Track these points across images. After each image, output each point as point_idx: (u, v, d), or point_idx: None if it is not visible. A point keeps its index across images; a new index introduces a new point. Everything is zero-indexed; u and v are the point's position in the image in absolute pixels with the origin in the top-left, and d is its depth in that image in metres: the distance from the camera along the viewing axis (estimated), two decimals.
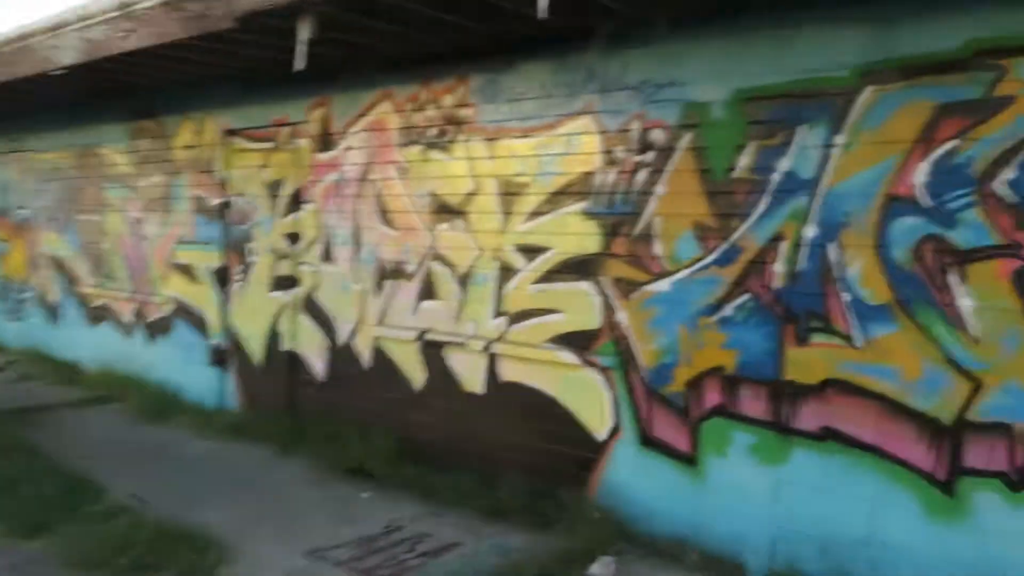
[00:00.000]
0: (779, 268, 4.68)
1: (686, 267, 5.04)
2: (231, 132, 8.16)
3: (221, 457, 6.97)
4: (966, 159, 4.09)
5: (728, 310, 4.87)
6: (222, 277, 8.27)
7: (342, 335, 7.08)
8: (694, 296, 5.00)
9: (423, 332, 6.41)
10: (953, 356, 4.12)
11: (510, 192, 5.90)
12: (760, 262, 4.75)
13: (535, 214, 5.76)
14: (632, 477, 5.27)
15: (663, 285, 5.14)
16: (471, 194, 6.14)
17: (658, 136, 5.16)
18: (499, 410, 5.95)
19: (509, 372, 5.91)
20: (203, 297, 8.47)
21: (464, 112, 6.18)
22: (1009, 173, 3.97)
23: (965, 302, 4.09)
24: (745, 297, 4.81)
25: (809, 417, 4.57)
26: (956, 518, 4.12)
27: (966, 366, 4.09)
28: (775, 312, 4.69)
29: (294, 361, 7.53)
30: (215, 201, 8.31)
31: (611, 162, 5.37)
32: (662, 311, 5.14)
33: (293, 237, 7.52)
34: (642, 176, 5.23)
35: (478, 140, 6.09)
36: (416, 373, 6.50)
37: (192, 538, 5.09)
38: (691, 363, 5.02)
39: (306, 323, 7.40)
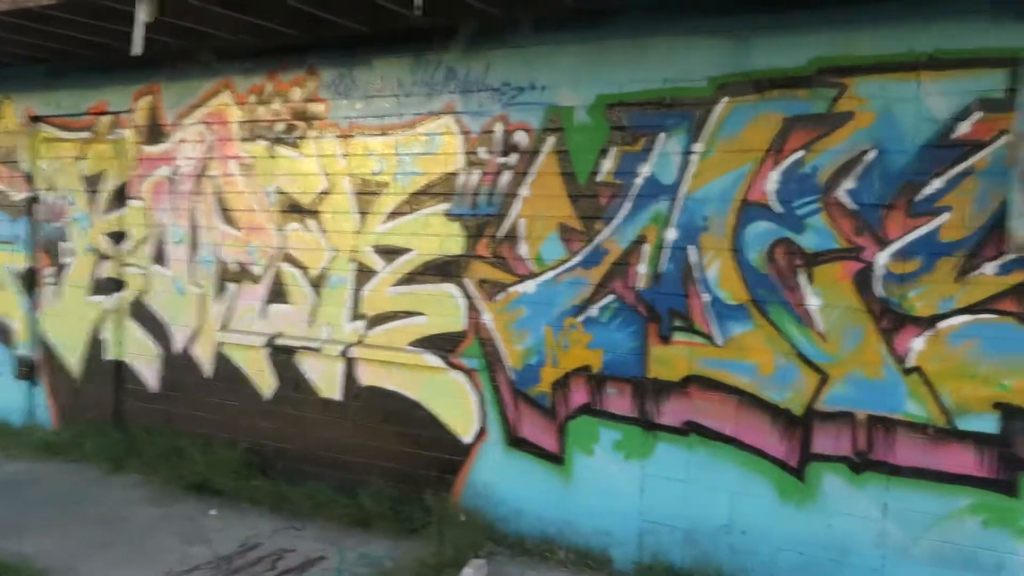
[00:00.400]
0: (642, 270, 4.84)
1: (551, 269, 5.10)
2: (38, 119, 7.33)
3: (39, 479, 6.27)
4: (812, 169, 4.41)
5: (593, 311, 4.98)
6: (29, 280, 7.43)
7: (178, 342, 6.56)
8: (560, 297, 5.08)
9: (273, 337, 6.08)
10: (803, 351, 4.45)
11: (367, 192, 5.71)
12: (624, 264, 4.89)
13: (395, 214, 5.61)
14: (499, 478, 5.28)
15: (529, 287, 5.17)
16: (324, 193, 5.88)
17: (522, 139, 5.18)
18: (359, 416, 5.76)
19: (369, 376, 5.72)
20: (6, 303, 7.57)
21: (315, 107, 5.91)
22: (850, 183, 4.32)
23: (813, 301, 4.42)
24: (610, 298, 4.94)
25: (672, 412, 4.77)
26: (807, 501, 4.45)
27: (814, 360, 4.42)
28: (639, 312, 4.86)
29: (121, 371, 6.90)
30: (19, 195, 7.44)
31: (474, 163, 5.33)
32: (528, 312, 5.18)
33: (117, 236, 6.88)
34: (506, 178, 5.23)
35: (331, 137, 5.84)
36: (265, 380, 6.15)
37: (13, 571, 4.55)
38: (557, 363, 5.09)
39: (134, 330, 6.79)
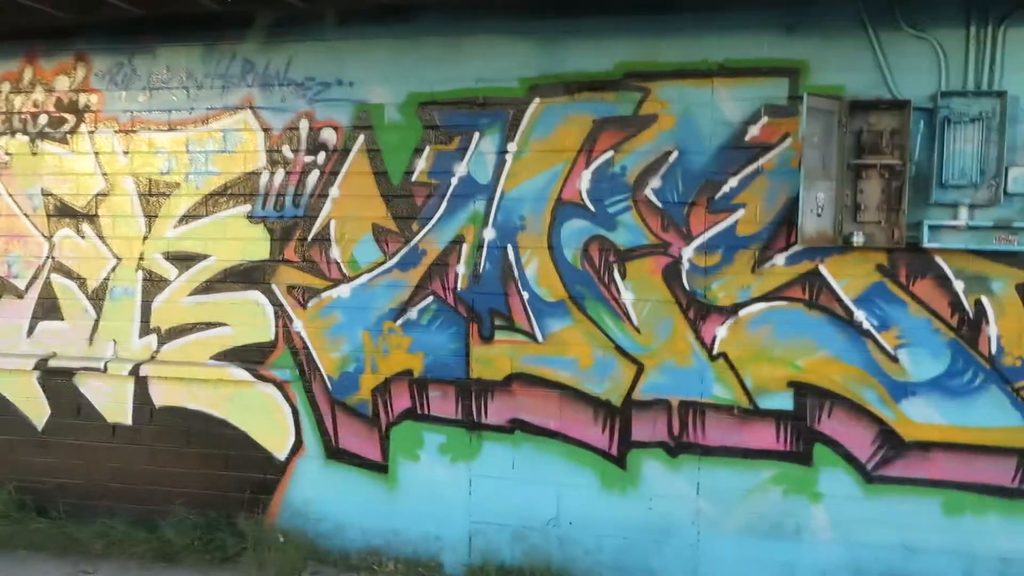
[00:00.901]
0: (461, 270, 4.80)
1: (366, 272, 4.92)
2: None
3: None
4: (621, 169, 4.60)
5: (413, 313, 4.87)
6: None
7: None
8: (376, 301, 4.91)
9: (44, 359, 5.35)
10: (619, 344, 4.63)
11: (154, 193, 5.19)
12: (442, 264, 4.83)
13: (188, 218, 5.15)
14: (319, 493, 5.02)
15: (343, 291, 4.96)
16: (102, 195, 5.27)
17: (330, 136, 4.94)
18: (156, 440, 5.23)
19: (166, 396, 5.21)
20: None
21: (86, 99, 5.27)
22: (656, 182, 4.55)
23: (627, 295, 4.62)
24: (429, 299, 4.85)
25: (497, 411, 4.79)
26: (628, 488, 4.65)
27: (630, 352, 4.62)
28: (459, 313, 4.82)
29: None
30: None
31: (278, 162, 5.01)
32: (343, 318, 4.96)
33: None
34: (314, 178, 4.97)
35: (108, 132, 5.24)
36: (36, 409, 5.41)
37: None
38: (377, 369, 4.93)
39: None
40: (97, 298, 5.30)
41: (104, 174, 5.26)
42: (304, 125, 4.98)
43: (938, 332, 4.29)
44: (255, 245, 5.06)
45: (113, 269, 5.26)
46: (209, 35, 5.07)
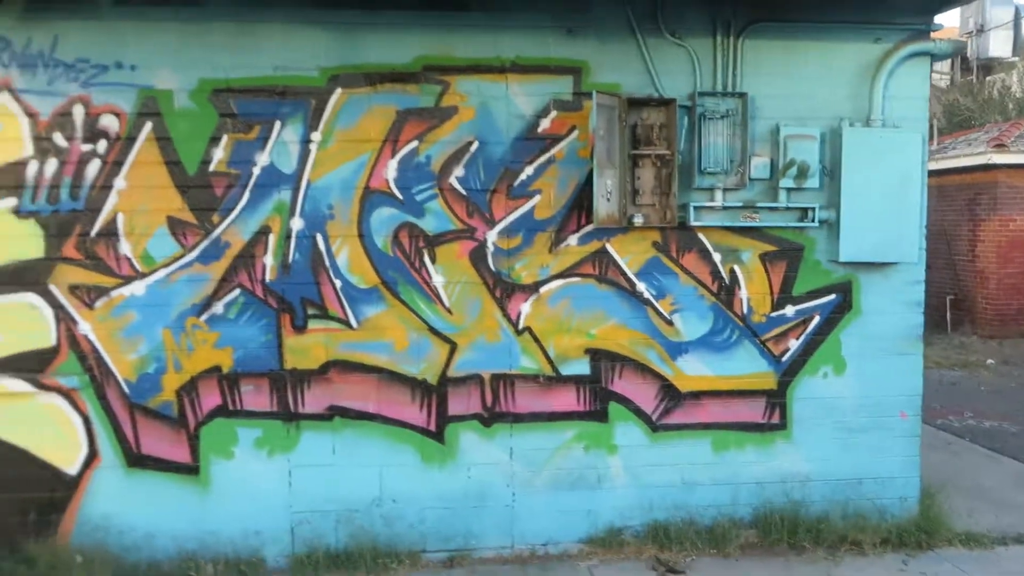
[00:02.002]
0: (269, 261, 4.74)
1: (163, 267, 4.67)
2: None
3: None
4: (426, 158, 4.80)
5: (218, 307, 4.72)
6: None
7: None
8: (176, 297, 4.68)
9: None
10: (433, 325, 4.86)
11: None
12: (249, 256, 4.72)
13: None
14: (121, 504, 4.70)
15: (136, 288, 4.66)
16: None
17: (111, 123, 4.59)
18: None
19: None
20: None
21: None
22: (459, 171, 4.82)
23: (438, 279, 4.85)
24: (236, 292, 4.73)
25: (314, 400, 4.81)
26: (447, 460, 4.92)
27: (443, 332, 4.87)
28: (269, 304, 4.75)
29: None
30: None
31: (48, 151, 4.56)
32: (139, 317, 4.67)
33: None
34: (95, 168, 4.59)
35: None
36: None
37: None
38: (181, 368, 4.71)
39: None
40: None
41: None
42: (79, 111, 4.57)
43: (703, 298, 5.05)
44: (25, 242, 4.57)
45: None
46: None
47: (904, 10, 5.02)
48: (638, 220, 4.87)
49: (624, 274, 4.97)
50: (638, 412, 5.03)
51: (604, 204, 4.70)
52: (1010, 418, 8.42)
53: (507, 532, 4.99)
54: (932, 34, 5.13)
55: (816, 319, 5.14)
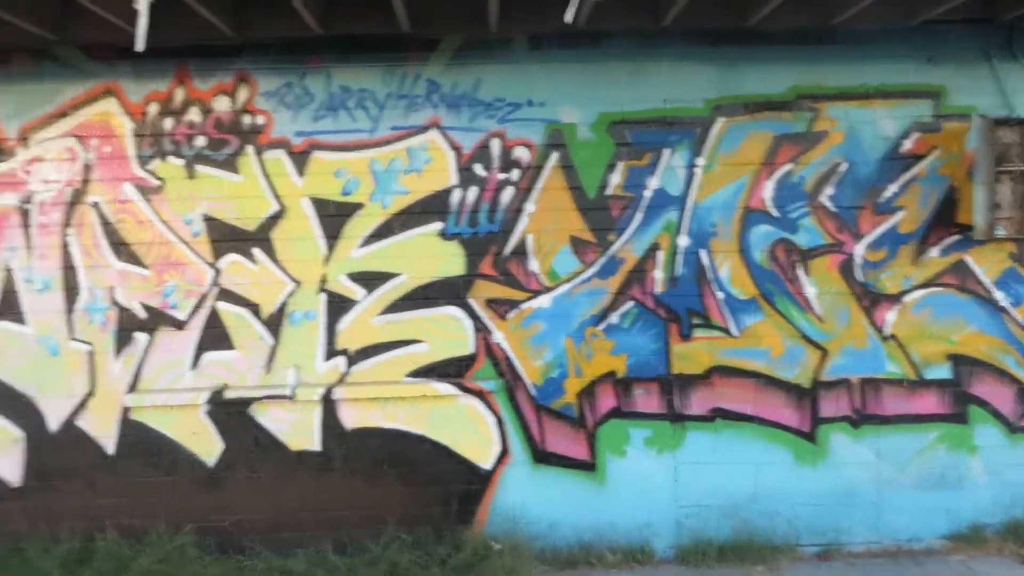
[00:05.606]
0: (659, 275, 5.21)
1: (566, 281, 5.19)
2: None
3: None
4: (799, 179, 5.22)
5: (614, 318, 5.20)
6: None
7: (54, 416, 5.11)
8: (578, 308, 5.19)
9: (214, 391, 5.09)
10: (806, 333, 5.24)
11: (336, 214, 5.13)
12: (640, 271, 5.21)
13: (374, 237, 5.14)
14: (528, 497, 5.20)
15: (543, 301, 5.19)
16: (275, 218, 5.12)
17: (523, 154, 5.16)
18: (349, 464, 5.15)
19: (357, 418, 5.15)
20: None
21: (251, 120, 5.10)
22: (830, 190, 5.22)
23: (810, 290, 5.24)
24: (629, 304, 5.21)
25: (698, 402, 5.24)
26: (819, 460, 5.27)
27: (815, 339, 5.24)
28: (659, 314, 5.21)
29: None
30: None
31: (470, 180, 5.15)
32: (545, 327, 5.19)
33: None
34: (508, 194, 5.16)
35: (277, 153, 5.11)
36: (207, 445, 5.14)
37: None
38: (581, 373, 5.20)
39: None
40: (273, 324, 5.14)
41: (277, 196, 5.11)
42: (496, 144, 5.15)
43: None
44: (450, 261, 5.16)
45: (291, 293, 5.13)
46: (389, 56, 5.11)
47: None
48: (1000, 232, 5.16)
49: (981, 283, 5.27)
50: (996, 414, 5.29)
51: (981, 218, 5.02)
52: None
53: (873, 528, 5.29)
54: None
55: None
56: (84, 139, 5.09)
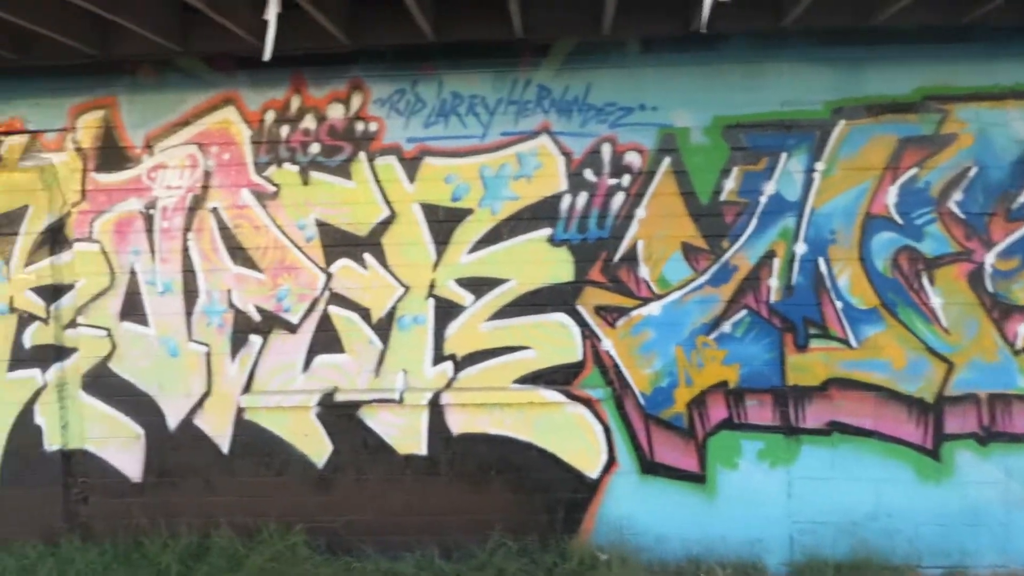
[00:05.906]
0: (774, 283, 5.05)
1: (677, 289, 5.09)
2: None
3: None
4: (925, 184, 4.99)
5: (726, 327, 5.07)
6: None
7: (173, 415, 5.28)
8: (688, 316, 5.08)
9: (325, 394, 5.18)
10: (930, 345, 5.01)
11: (444, 220, 5.15)
12: (755, 278, 5.06)
13: (483, 243, 5.14)
14: (636, 508, 5.12)
15: (653, 309, 5.10)
16: (385, 223, 5.17)
17: (634, 159, 5.08)
18: (455, 469, 5.17)
19: (464, 423, 5.17)
20: None
21: (364, 126, 5.16)
22: (958, 196, 4.97)
23: (935, 300, 5.00)
24: (743, 313, 5.07)
25: (814, 415, 5.06)
26: (943, 478, 5.03)
27: (941, 352, 5.01)
28: (773, 324, 5.06)
29: (72, 462, 5.35)
30: None
31: (580, 186, 5.10)
32: (654, 335, 5.10)
33: (54, 291, 5.31)
34: (619, 200, 5.09)
35: (391, 160, 5.16)
36: (317, 446, 5.23)
37: None
38: (692, 382, 5.09)
39: (93, 406, 5.32)
40: (382, 328, 5.19)
41: (388, 202, 5.16)
42: (607, 149, 5.09)
43: None
44: (558, 267, 5.12)
45: (400, 298, 5.17)
46: (500, 62, 5.10)
47: None
48: None
49: None
50: None
51: None
52: None
53: (1001, 551, 5.02)
54: None
55: None
56: (204, 146, 5.24)
